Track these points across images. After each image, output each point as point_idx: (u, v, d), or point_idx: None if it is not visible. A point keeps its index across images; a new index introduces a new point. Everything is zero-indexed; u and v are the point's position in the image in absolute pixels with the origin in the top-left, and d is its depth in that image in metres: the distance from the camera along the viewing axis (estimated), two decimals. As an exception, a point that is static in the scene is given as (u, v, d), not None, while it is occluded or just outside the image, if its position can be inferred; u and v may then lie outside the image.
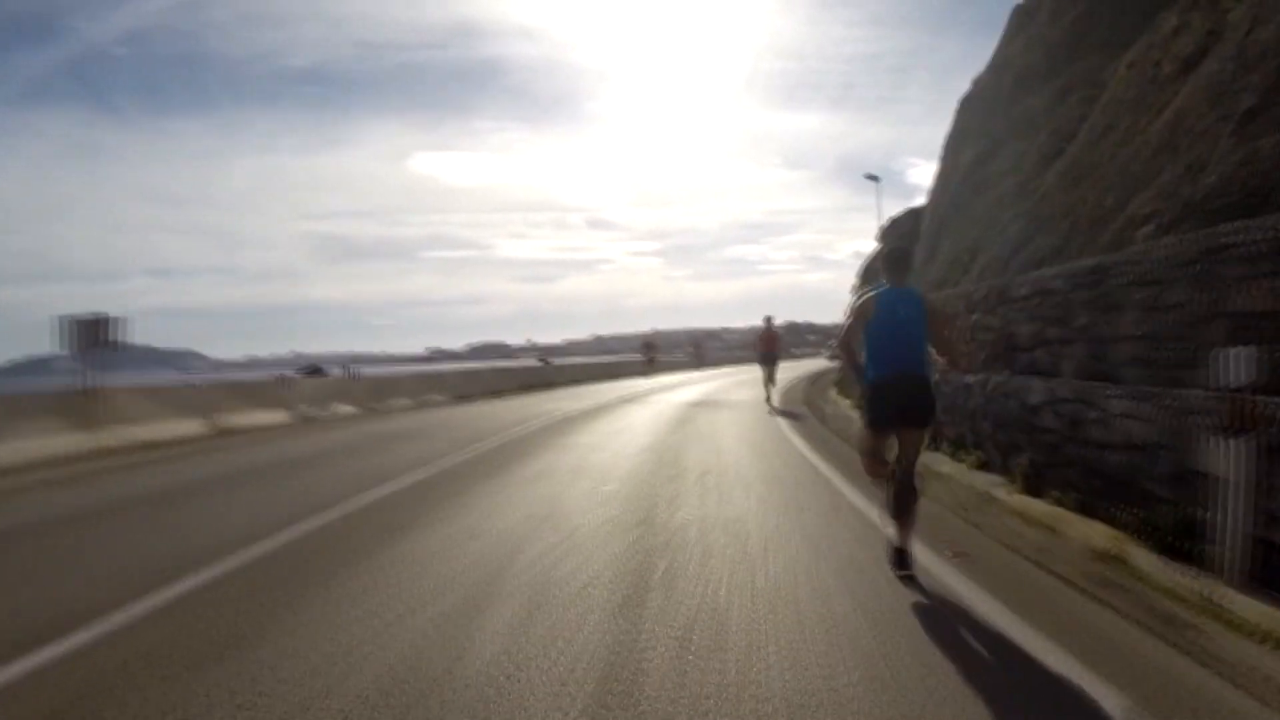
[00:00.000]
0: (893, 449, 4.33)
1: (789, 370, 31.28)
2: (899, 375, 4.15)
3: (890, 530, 4.32)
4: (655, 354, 39.95)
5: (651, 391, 22.35)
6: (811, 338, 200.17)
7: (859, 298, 4.47)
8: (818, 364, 48.00)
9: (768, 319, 19.18)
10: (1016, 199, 17.68)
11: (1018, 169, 19.42)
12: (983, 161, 22.19)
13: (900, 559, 4.21)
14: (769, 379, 17.53)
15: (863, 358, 4.38)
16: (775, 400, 17.26)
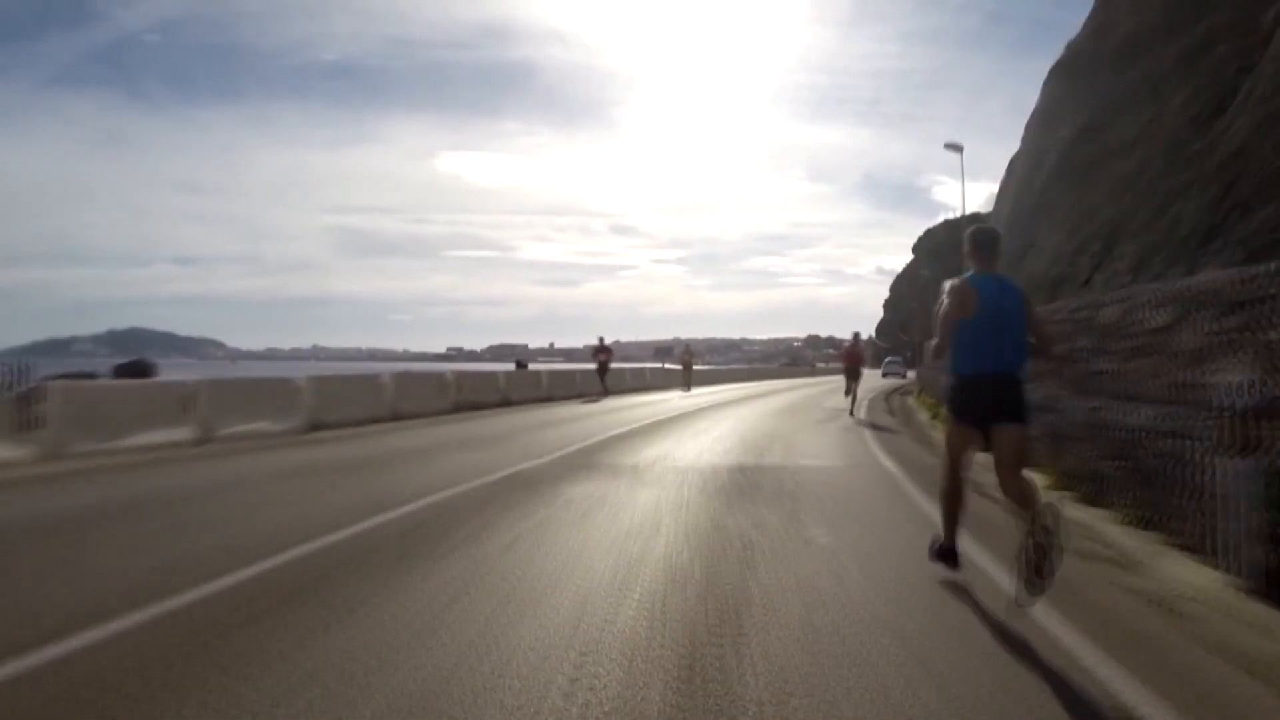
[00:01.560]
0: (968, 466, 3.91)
1: (824, 388, 28.14)
2: (997, 375, 3.75)
3: (944, 524, 3.94)
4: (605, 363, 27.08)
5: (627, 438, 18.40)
6: (830, 351, 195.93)
7: (952, 287, 3.91)
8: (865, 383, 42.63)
9: (855, 335, 20.10)
10: (1167, 171, 13.65)
11: (1149, 139, 15.42)
12: (1090, 136, 18.24)
13: (946, 555, 3.88)
14: (851, 390, 18.01)
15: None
16: (860, 413, 17.02)
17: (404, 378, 15.09)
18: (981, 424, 3.80)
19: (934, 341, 4.10)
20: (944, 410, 4.62)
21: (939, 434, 8.63)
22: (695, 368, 47.97)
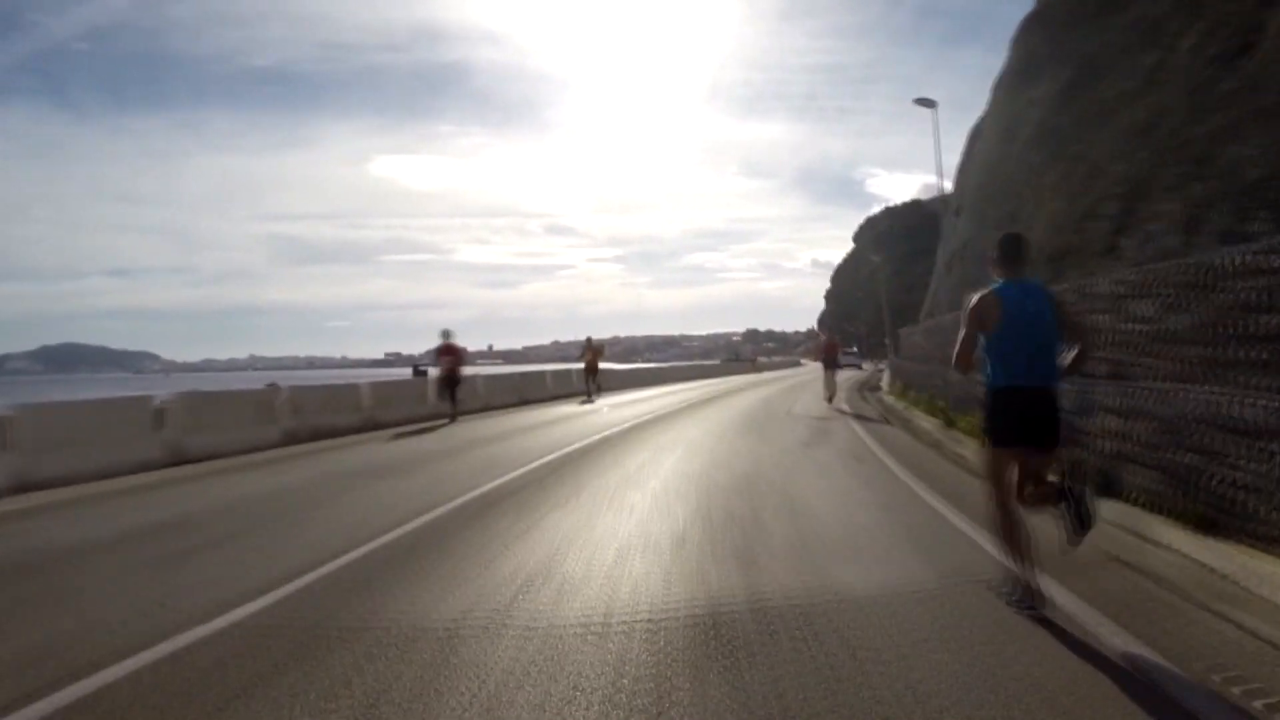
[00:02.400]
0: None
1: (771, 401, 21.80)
2: (1031, 389, 3.64)
3: (1014, 565, 3.69)
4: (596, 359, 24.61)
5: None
6: (770, 345, 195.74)
7: (974, 299, 3.75)
8: (803, 376, 38.72)
9: (829, 330, 25.57)
10: (1196, 117, 11.48)
11: (1159, 86, 13.30)
12: (1078, 91, 16.12)
13: (1030, 596, 3.63)
14: (830, 381, 19.29)
15: (979, 363, 3.81)
16: (840, 402, 17.83)
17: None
18: (1020, 443, 3.67)
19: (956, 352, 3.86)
20: (981, 433, 4.05)
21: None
22: (628, 367, 43.09)
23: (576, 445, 10.25)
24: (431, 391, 16.10)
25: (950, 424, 10.47)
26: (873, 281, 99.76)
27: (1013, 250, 3.79)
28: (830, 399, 17.93)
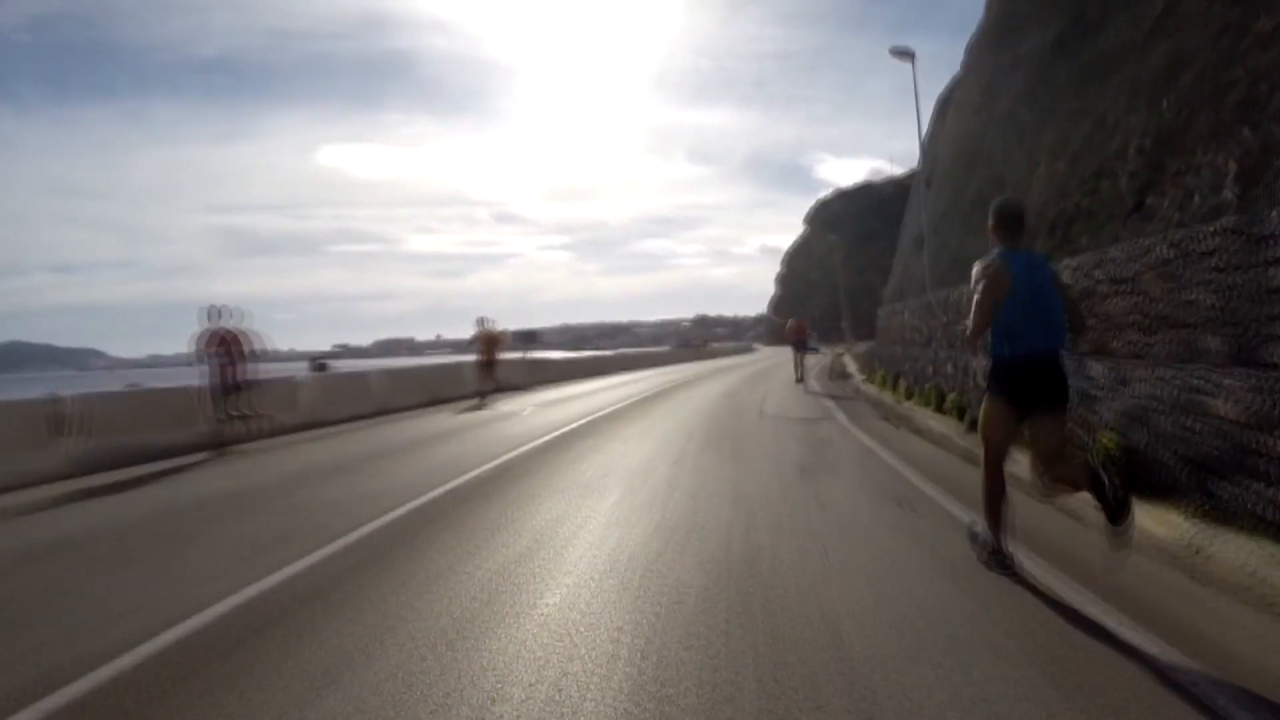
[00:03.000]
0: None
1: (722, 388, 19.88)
2: (1042, 354, 3.60)
3: (991, 527, 3.86)
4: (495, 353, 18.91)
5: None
6: (721, 330, 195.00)
7: (983, 267, 3.67)
8: (757, 365, 36.08)
9: (798, 317, 23.12)
10: (1230, 60, 10.11)
11: (1174, 31, 11.94)
12: (1073, 44, 14.72)
13: (1000, 554, 3.84)
14: (800, 362, 20.28)
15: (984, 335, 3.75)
16: (809, 381, 18.44)
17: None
18: (1024, 407, 3.64)
19: (965, 326, 3.72)
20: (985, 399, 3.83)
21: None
22: (570, 356, 39.46)
23: (436, 493, 6.50)
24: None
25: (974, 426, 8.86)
26: (826, 264, 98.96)
27: (1013, 217, 3.76)
28: (800, 380, 18.93)
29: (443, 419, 13.74)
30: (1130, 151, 10.96)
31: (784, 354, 49.02)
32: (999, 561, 3.79)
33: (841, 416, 11.94)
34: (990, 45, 19.13)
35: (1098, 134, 12.20)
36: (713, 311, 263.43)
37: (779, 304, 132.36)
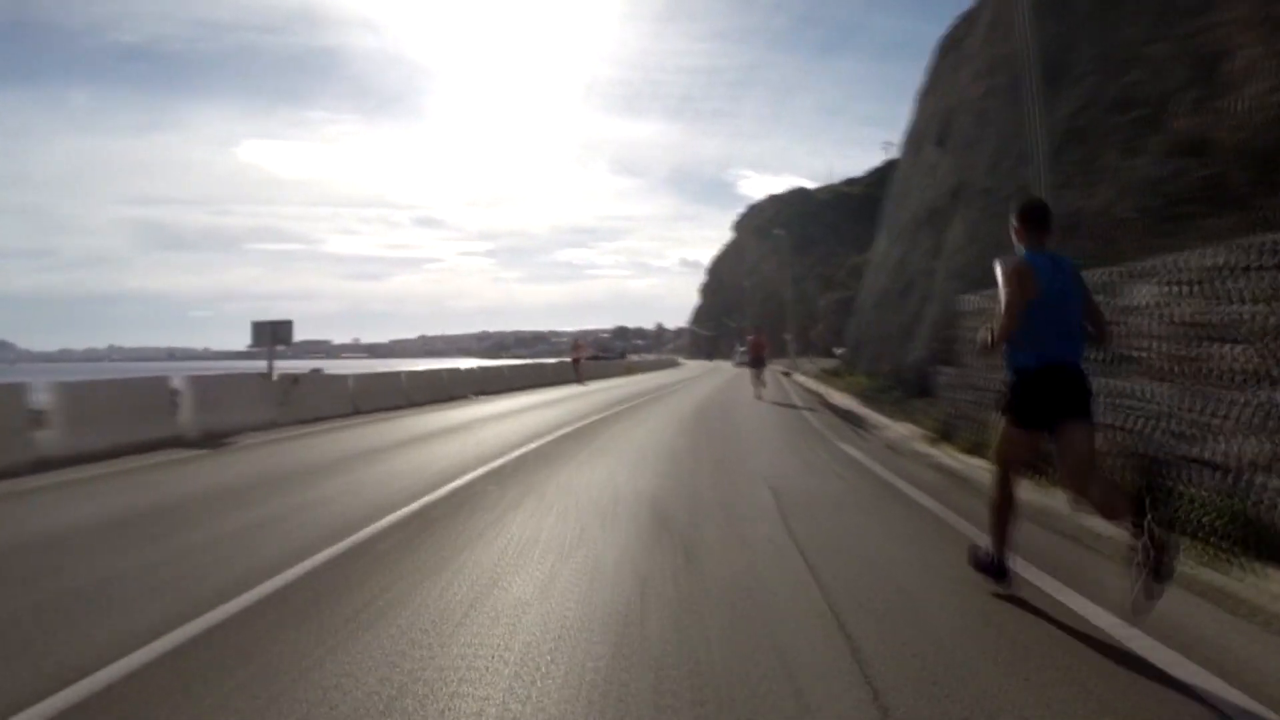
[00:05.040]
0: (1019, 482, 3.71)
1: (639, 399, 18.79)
2: (1063, 366, 3.44)
3: (995, 543, 3.71)
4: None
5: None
6: (639, 343, 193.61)
7: (1009, 266, 3.49)
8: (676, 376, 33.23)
9: (757, 328, 25.70)
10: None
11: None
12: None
13: (1002, 570, 3.68)
14: (758, 378, 20.11)
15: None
16: (764, 397, 18.44)
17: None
18: (1048, 425, 3.48)
19: (983, 333, 3.52)
20: (998, 415, 3.74)
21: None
22: (482, 364, 29.53)
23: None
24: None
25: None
26: (758, 272, 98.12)
27: (1039, 217, 3.67)
28: (759, 397, 18.61)
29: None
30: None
31: (717, 370, 46.82)
32: (988, 568, 3.70)
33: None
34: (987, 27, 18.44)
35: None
36: (632, 323, 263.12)
37: (702, 315, 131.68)
